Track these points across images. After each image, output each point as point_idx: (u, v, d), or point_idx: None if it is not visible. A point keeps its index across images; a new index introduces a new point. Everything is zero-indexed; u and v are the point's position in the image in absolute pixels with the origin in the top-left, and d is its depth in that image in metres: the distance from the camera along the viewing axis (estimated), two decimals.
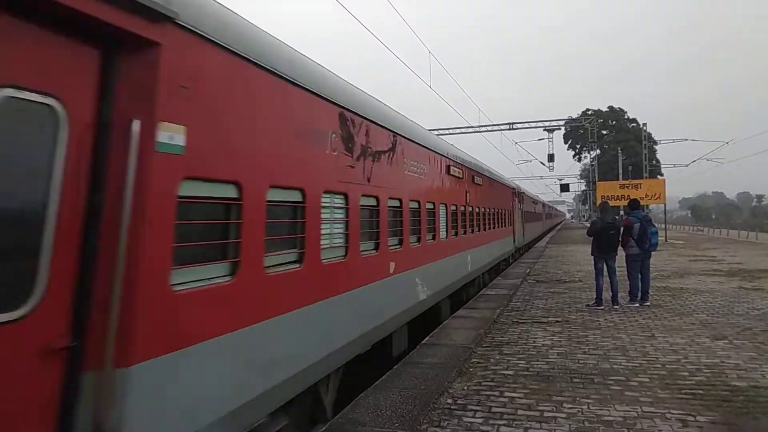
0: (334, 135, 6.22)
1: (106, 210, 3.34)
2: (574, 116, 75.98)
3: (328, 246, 6.08)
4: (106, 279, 3.26)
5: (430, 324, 10.50)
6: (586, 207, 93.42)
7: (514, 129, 49.01)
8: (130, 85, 3.48)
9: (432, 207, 10.77)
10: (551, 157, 51.98)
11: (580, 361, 7.63)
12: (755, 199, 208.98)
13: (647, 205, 37.84)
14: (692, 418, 5.42)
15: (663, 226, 40.92)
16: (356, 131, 6.93)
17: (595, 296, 12.27)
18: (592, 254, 12.66)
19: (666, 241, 36.14)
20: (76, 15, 3.09)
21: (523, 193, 32.81)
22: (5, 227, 2.92)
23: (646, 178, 42.94)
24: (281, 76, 5.06)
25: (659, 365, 7.34)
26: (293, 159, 5.28)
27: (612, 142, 77.75)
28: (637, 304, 11.99)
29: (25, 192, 3.02)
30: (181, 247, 3.76)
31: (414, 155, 9.55)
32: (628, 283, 12.38)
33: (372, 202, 7.52)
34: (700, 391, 6.24)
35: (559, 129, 58.44)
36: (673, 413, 5.56)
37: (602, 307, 11.84)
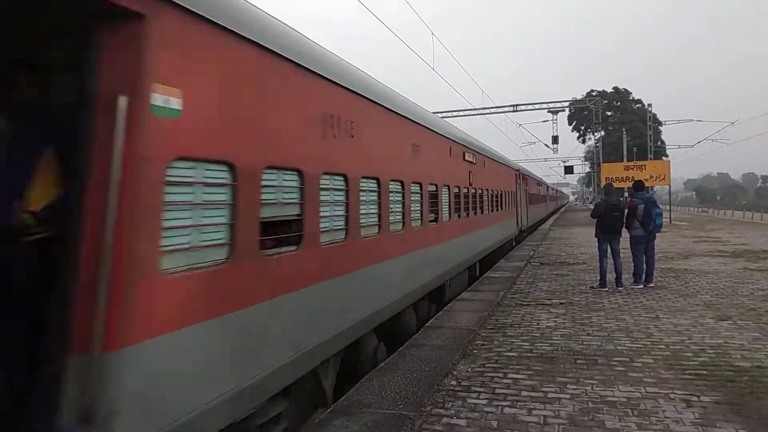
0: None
1: None
2: (579, 97, 75.46)
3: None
4: None
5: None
6: (591, 189, 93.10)
7: (518, 111, 48.81)
8: None
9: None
10: (555, 139, 51.87)
11: (584, 343, 7.65)
12: (760, 180, 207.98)
13: (652, 187, 37.71)
14: (696, 399, 5.43)
15: (668, 207, 40.80)
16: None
17: (599, 278, 12.27)
18: (596, 236, 12.64)
19: (670, 222, 36.04)
20: None
21: (549, 186, 57.20)
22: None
23: (650, 159, 42.77)
24: None
25: (663, 346, 7.35)
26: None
27: (617, 123, 77.32)
28: (641, 286, 11.99)
29: None
30: None
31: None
32: (632, 264, 12.38)
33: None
34: (704, 372, 6.25)
35: (564, 110, 58.12)
36: (676, 394, 5.58)
37: (606, 289, 11.85)
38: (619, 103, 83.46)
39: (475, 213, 14.39)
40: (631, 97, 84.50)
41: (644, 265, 12.19)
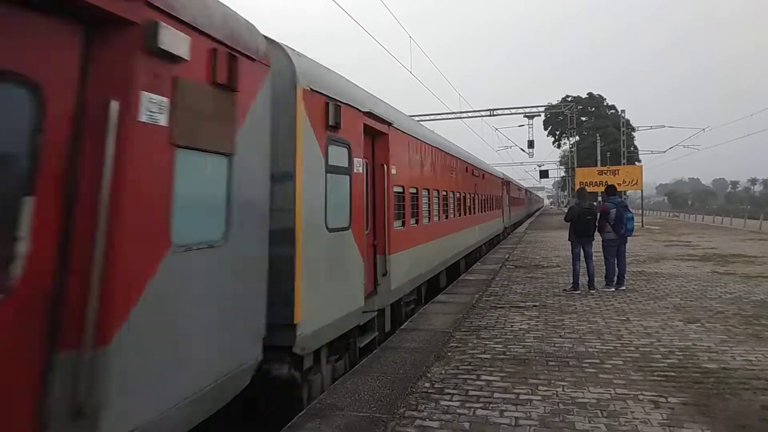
0: None
1: None
2: (554, 103, 76.31)
3: None
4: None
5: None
6: (566, 193, 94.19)
7: (495, 115, 49.10)
8: None
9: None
10: (531, 144, 52.32)
11: (556, 345, 7.73)
12: (730, 186, 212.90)
13: (625, 191, 38.27)
14: (664, 400, 5.53)
15: (640, 211, 41.48)
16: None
17: (572, 281, 12.43)
18: (569, 239, 12.80)
19: (642, 226, 36.64)
20: None
21: (531, 192, 60.34)
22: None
23: (624, 164, 43.39)
24: None
25: (633, 348, 7.47)
26: None
27: (591, 128, 78.33)
28: (613, 289, 12.16)
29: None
30: None
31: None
32: (604, 267, 12.56)
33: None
34: (672, 374, 6.37)
35: (539, 115, 58.76)
36: (645, 395, 5.67)
37: (579, 292, 12.00)
38: (593, 109, 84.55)
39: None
40: (605, 103, 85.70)
41: (616, 269, 12.37)
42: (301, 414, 5.31)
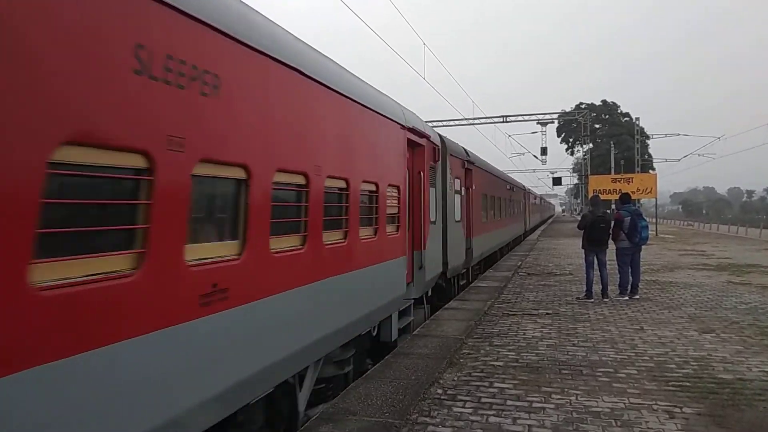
0: None
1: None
2: (568, 110, 76.03)
3: None
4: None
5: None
6: (578, 200, 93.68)
7: (508, 122, 49.09)
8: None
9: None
10: (544, 151, 52.24)
11: (570, 353, 7.70)
12: (745, 195, 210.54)
13: (638, 200, 38.04)
14: (678, 410, 5.49)
15: (654, 220, 41.18)
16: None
17: (585, 289, 12.36)
18: (582, 247, 12.73)
19: (656, 235, 36.35)
20: None
21: (546, 200, 66.97)
22: None
23: (638, 172, 43.13)
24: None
25: (647, 357, 7.42)
26: None
27: (605, 136, 77.97)
28: (627, 297, 12.09)
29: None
30: None
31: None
32: (618, 276, 12.48)
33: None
34: (687, 384, 6.32)
35: (553, 122, 58.62)
36: (659, 405, 5.63)
37: (592, 300, 11.93)
38: (607, 116, 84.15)
39: None
40: (619, 111, 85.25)
41: (630, 277, 12.30)
42: (313, 417, 5.34)
